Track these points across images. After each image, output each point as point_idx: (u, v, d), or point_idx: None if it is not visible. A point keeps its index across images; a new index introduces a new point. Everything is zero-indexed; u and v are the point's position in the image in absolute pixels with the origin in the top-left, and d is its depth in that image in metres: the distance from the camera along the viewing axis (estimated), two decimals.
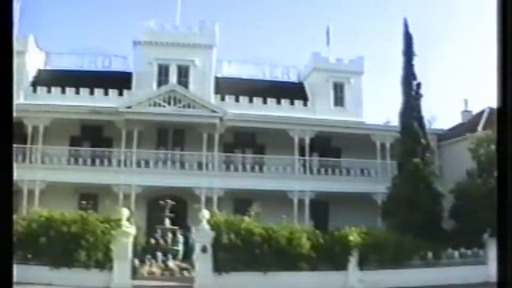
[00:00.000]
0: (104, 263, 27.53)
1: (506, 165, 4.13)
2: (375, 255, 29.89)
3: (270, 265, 27.99)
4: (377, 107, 75.48)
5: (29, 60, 47.38)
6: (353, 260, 29.50)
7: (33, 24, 79.44)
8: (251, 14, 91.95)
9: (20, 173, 38.60)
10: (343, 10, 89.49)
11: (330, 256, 29.17)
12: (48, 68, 50.11)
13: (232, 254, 27.89)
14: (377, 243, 30.09)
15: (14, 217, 26.49)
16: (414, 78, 37.66)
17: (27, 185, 39.26)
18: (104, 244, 27.66)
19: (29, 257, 28.09)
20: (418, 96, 37.60)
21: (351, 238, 29.46)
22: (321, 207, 41.44)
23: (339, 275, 28.94)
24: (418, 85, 37.58)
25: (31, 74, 47.89)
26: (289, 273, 27.94)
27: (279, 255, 28.27)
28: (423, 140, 36.49)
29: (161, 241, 32.66)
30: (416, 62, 37.87)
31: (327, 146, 44.65)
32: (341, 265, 29.27)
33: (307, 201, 40.79)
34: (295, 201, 40.56)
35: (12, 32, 4.04)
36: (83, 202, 35.85)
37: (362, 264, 29.64)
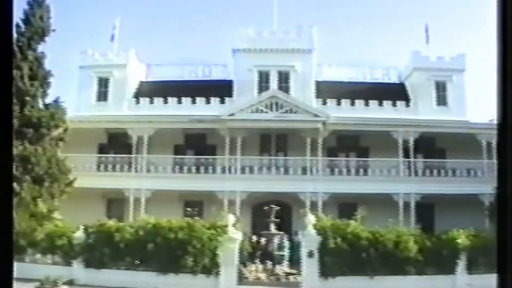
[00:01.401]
0: (211, 268, 28.03)
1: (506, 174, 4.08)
2: (484, 259, 29.21)
3: (376, 269, 27.78)
4: (481, 105, 73.72)
5: (131, 72, 48.82)
6: (461, 264, 28.97)
7: (133, 37, 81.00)
8: (347, 16, 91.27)
9: (126, 182, 39.85)
10: (441, 6, 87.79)
11: (438, 260, 28.71)
12: (149, 79, 51.37)
13: (339, 258, 27.87)
14: (486, 246, 29.39)
15: (121, 224, 27.50)
16: None
17: (133, 193, 40.39)
18: (211, 250, 28.10)
19: (137, 263, 28.98)
20: None
21: (459, 241, 28.90)
22: (426, 210, 40.45)
23: (447, 279, 28.41)
24: None
25: (133, 86, 49.32)
26: (396, 277, 27.60)
27: (386, 259, 28.03)
28: None
29: (267, 247, 32.76)
30: None
31: (432, 147, 43.78)
32: (448, 269, 28.74)
33: (412, 204, 40.04)
34: (401, 204, 39.96)
35: (12, 33, 3.99)
36: (188, 209, 36.50)
37: (471, 268, 29.01)
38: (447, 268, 28.73)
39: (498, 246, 4.12)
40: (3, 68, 3.91)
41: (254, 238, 34.92)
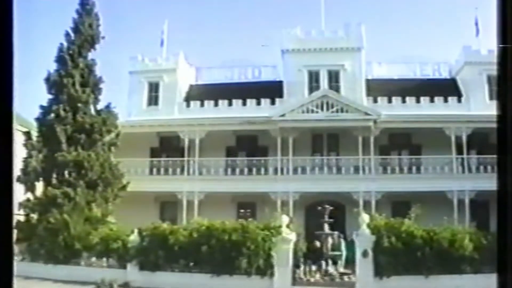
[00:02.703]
0: (265, 270, 28.01)
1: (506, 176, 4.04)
2: None
3: (432, 268, 27.34)
4: None
5: (181, 76, 49.14)
6: None
7: (182, 41, 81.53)
8: (395, 12, 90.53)
9: (179, 184, 40.19)
10: None
11: (494, 258, 28.22)
12: (199, 82, 51.68)
13: (393, 257, 27.51)
14: None
15: (175, 227, 27.90)
16: None
17: (186, 196, 40.68)
18: (265, 251, 28.09)
19: (191, 265, 29.21)
20: None
21: None
22: (481, 207, 39.14)
23: None
24: None
25: (183, 89, 49.65)
26: (452, 276, 27.05)
27: (441, 258, 27.56)
28: None
29: (321, 247, 32.57)
30: None
31: (485, 142, 42.50)
32: None
33: (467, 201, 39.48)
34: (455, 202, 39.41)
35: (12, 33, 4.03)
36: (242, 210, 36.51)
37: None
38: None
39: (498, 246, 4.10)
40: (3, 69, 3.96)
41: (308, 238, 34.83)
